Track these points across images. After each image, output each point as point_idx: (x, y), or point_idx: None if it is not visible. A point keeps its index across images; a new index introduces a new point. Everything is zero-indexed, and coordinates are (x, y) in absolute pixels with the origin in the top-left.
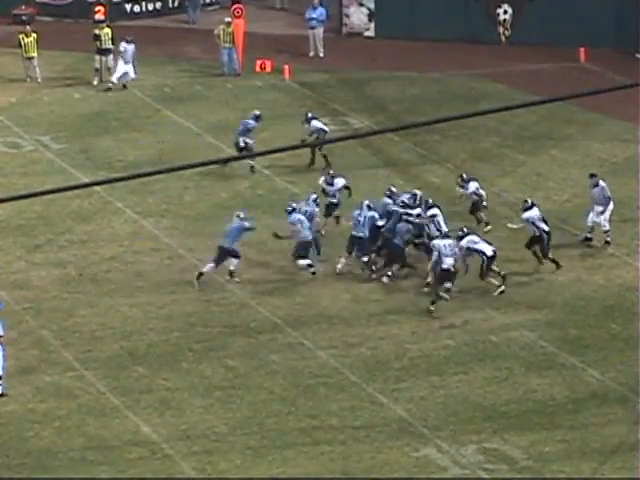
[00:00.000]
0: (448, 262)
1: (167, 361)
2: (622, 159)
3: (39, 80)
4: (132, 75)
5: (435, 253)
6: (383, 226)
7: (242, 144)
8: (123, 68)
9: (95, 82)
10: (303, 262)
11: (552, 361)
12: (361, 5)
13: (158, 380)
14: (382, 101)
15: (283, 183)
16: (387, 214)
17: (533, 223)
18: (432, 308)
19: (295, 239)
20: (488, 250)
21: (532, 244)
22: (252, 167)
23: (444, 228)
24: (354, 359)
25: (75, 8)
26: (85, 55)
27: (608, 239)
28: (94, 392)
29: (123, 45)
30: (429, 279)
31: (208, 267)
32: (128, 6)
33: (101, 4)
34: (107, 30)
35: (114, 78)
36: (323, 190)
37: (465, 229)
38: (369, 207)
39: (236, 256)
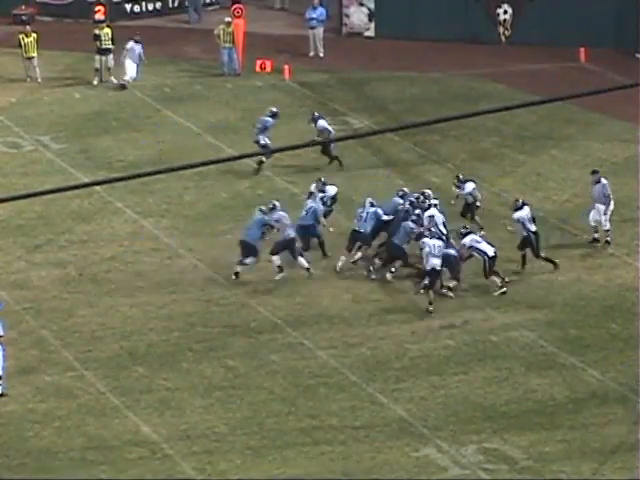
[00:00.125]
0: (434, 262)
1: (167, 361)
2: (622, 159)
3: (39, 80)
4: (134, 75)
5: (425, 251)
6: (389, 222)
7: (262, 142)
8: (132, 66)
9: (95, 82)
10: (276, 259)
11: (552, 361)
12: (361, 5)
13: (158, 380)
14: (382, 101)
15: (283, 183)
16: (396, 213)
17: (523, 223)
18: (431, 308)
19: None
20: (490, 251)
21: (523, 246)
22: (260, 164)
23: (442, 229)
24: (354, 359)
25: (75, 8)
26: (85, 55)
27: (608, 239)
28: (94, 392)
29: (131, 44)
30: (426, 281)
31: (274, 259)
32: (128, 6)
33: (101, 4)
34: (107, 30)
35: (128, 77)
36: (312, 194)
37: (467, 227)
38: (372, 204)
39: (254, 255)
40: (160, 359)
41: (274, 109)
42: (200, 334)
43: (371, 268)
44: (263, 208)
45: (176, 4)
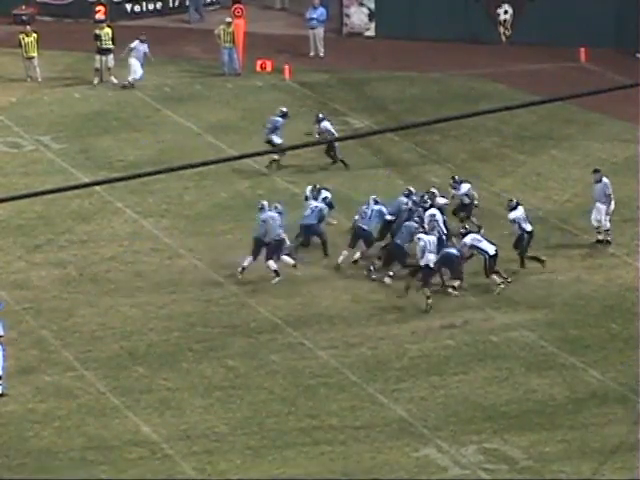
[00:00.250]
0: (430, 258)
1: (167, 361)
2: (622, 159)
3: (39, 80)
4: (140, 74)
5: (420, 245)
6: (392, 221)
7: (276, 141)
8: (138, 66)
9: (95, 82)
10: (271, 264)
11: (552, 361)
12: (361, 5)
13: (158, 380)
14: (382, 101)
15: (283, 183)
16: (400, 213)
17: (518, 223)
18: (429, 302)
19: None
20: (491, 249)
21: (519, 245)
22: (273, 162)
23: (443, 229)
24: (354, 359)
25: (75, 8)
26: (85, 55)
27: (609, 238)
28: (94, 392)
29: (136, 43)
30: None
31: (269, 264)
32: (129, 6)
33: (101, 4)
34: (107, 30)
35: (138, 76)
36: (306, 198)
37: (467, 226)
38: (376, 201)
39: (271, 256)
40: (160, 359)
41: (284, 109)
42: (200, 334)
43: (371, 268)
44: (278, 206)
45: (177, 4)
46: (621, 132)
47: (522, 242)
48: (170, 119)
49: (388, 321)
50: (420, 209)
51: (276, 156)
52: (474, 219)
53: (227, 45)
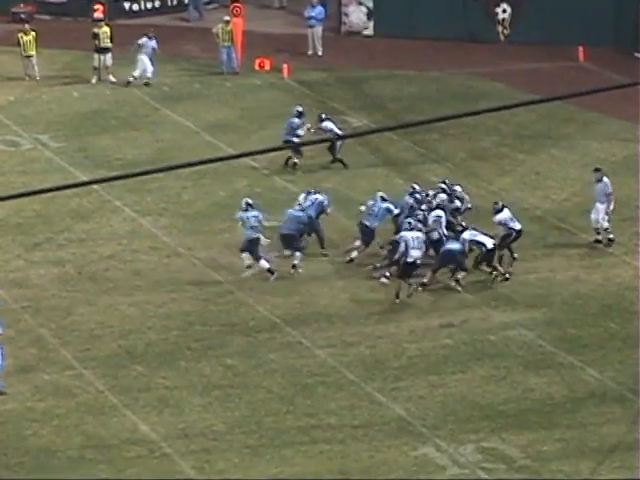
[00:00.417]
0: (414, 255)
1: (166, 360)
2: (621, 158)
3: (38, 78)
4: (140, 72)
5: (402, 245)
6: (398, 215)
7: (302, 132)
8: (147, 62)
9: (94, 81)
10: (245, 256)
11: (550, 360)
12: (360, 4)
13: (156, 379)
14: (381, 100)
15: (282, 182)
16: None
17: (505, 224)
18: (399, 296)
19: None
20: (489, 243)
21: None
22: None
23: (444, 230)
24: (352, 358)
25: (74, 6)
26: (84, 53)
27: (611, 236)
28: (93, 391)
29: (144, 39)
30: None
31: (296, 256)
32: (127, 4)
33: (100, 2)
34: (106, 29)
35: (149, 73)
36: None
37: (464, 223)
38: (383, 198)
39: (297, 248)
40: (159, 358)
41: (300, 108)
42: (198, 333)
43: (377, 265)
44: (301, 204)
45: (175, 2)
46: (620, 131)
47: (508, 239)
48: (169, 118)
49: (386, 320)
50: (424, 206)
51: (295, 159)
52: (460, 218)
53: (226, 44)
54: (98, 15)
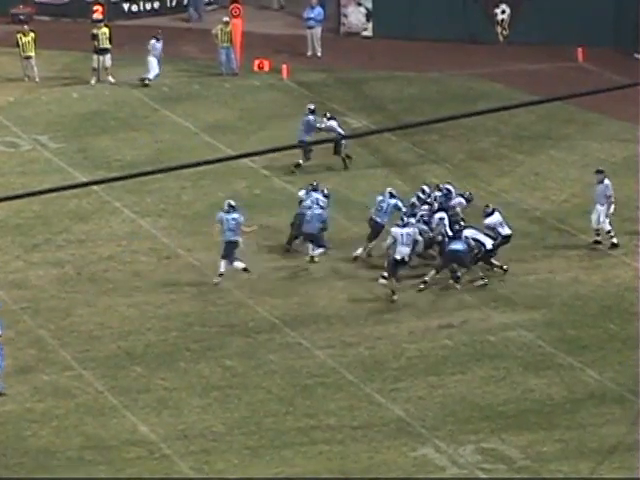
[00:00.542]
0: (402, 252)
1: (165, 361)
2: (621, 159)
3: (37, 79)
4: (157, 72)
5: (390, 240)
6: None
7: (307, 140)
8: (156, 64)
9: (93, 82)
10: (223, 263)
11: (550, 361)
12: (359, 5)
13: (156, 380)
14: (380, 101)
15: (281, 183)
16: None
17: (494, 229)
18: (395, 297)
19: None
20: (488, 243)
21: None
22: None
23: (448, 231)
24: (352, 359)
25: (73, 7)
26: (83, 54)
27: (614, 240)
28: (92, 392)
29: (152, 42)
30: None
31: (316, 251)
32: (126, 5)
33: (99, 3)
34: (105, 30)
35: (151, 75)
36: (300, 202)
37: (463, 223)
38: (392, 195)
39: (319, 245)
40: (158, 359)
41: (312, 106)
42: (198, 334)
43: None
44: (321, 203)
45: (174, 3)
46: (620, 132)
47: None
48: (168, 119)
49: (385, 321)
50: (425, 207)
51: (301, 160)
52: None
53: (225, 45)
54: (97, 16)
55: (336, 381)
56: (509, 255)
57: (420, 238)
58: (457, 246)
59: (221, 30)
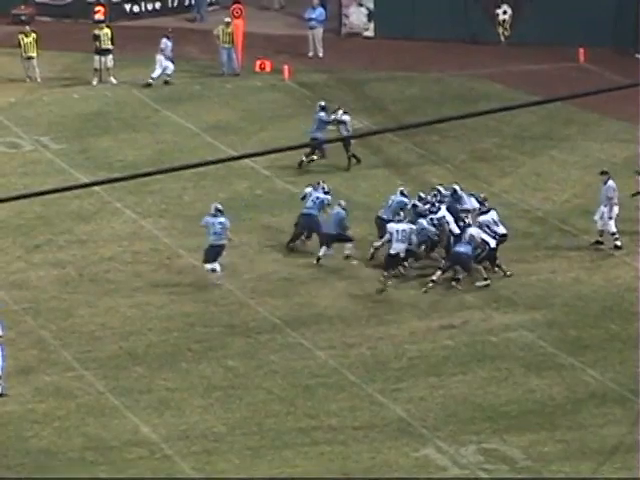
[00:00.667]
0: (397, 247)
1: (166, 361)
2: (621, 159)
3: (38, 80)
4: (171, 69)
5: (387, 236)
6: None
7: (320, 137)
8: (163, 64)
9: (94, 82)
10: (207, 266)
11: (551, 361)
12: (360, 5)
13: (157, 380)
14: (381, 101)
15: (282, 183)
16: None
17: (488, 227)
18: (382, 287)
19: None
20: (492, 242)
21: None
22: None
23: (455, 229)
24: (353, 359)
25: (75, 8)
26: (84, 55)
27: (618, 243)
28: (93, 392)
29: (164, 42)
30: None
31: (347, 247)
32: (128, 6)
33: (101, 4)
34: (106, 30)
35: (155, 74)
36: (303, 198)
37: (467, 220)
38: (402, 193)
39: (347, 239)
40: (159, 359)
41: (322, 103)
42: (199, 334)
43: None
44: (342, 203)
45: (176, 4)
46: (620, 132)
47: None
48: (169, 119)
49: (387, 321)
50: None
51: (315, 156)
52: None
53: (226, 45)
54: (99, 17)
55: (337, 381)
56: (510, 255)
57: (415, 239)
58: (463, 248)
59: (222, 31)
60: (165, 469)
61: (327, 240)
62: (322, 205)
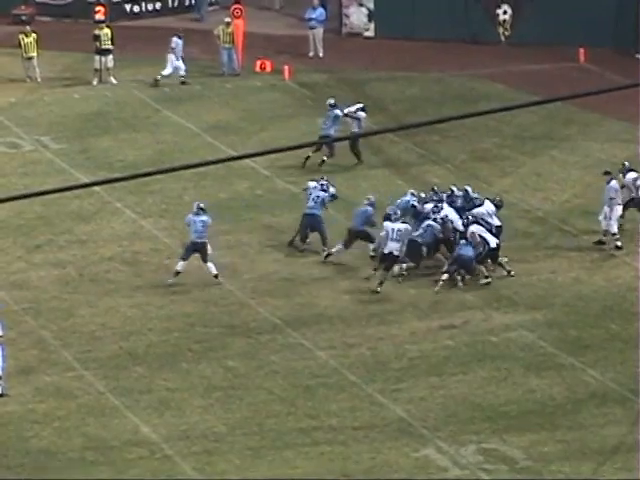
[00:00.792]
0: (392, 246)
1: (167, 361)
2: (622, 159)
3: (39, 80)
4: (183, 69)
5: (383, 234)
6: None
7: (332, 135)
8: (174, 64)
9: (95, 82)
10: (180, 263)
11: (551, 361)
12: (361, 5)
13: (158, 380)
14: (382, 101)
15: (282, 183)
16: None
17: (482, 219)
18: (378, 289)
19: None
20: (492, 242)
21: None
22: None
23: (460, 227)
24: (353, 359)
25: (75, 8)
26: (85, 55)
27: (618, 243)
28: (94, 392)
29: (175, 40)
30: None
31: (337, 249)
32: (128, 6)
33: (101, 4)
34: (107, 30)
35: (165, 72)
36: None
37: (470, 217)
38: (412, 194)
39: (368, 239)
40: (160, 359)
41: (332, 100)
42: (200, 334)
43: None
44: (371, 198)
45: (176, 4)
46: (621, 132)
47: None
48: (169, 119)
49: (387, 321)
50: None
51: (325, 156)
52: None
53: (226, 45)
54: (99, 17)
55: (338, 382)
56: (511, 255)
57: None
58: (467, 252)
59: (223, 31)
60: (165, 469)
61: (352, 236)
62: (323, 203)
